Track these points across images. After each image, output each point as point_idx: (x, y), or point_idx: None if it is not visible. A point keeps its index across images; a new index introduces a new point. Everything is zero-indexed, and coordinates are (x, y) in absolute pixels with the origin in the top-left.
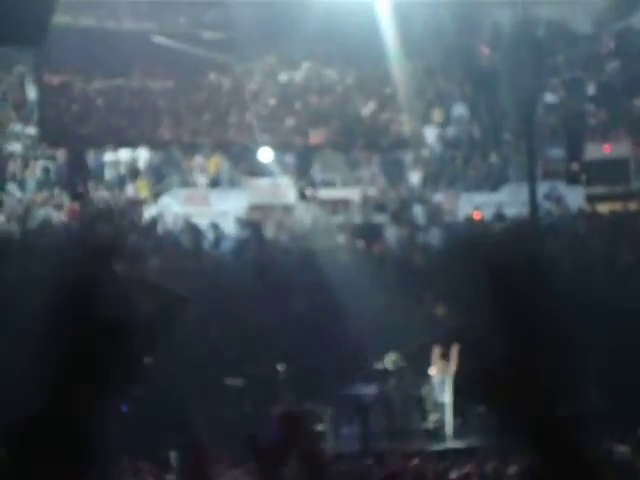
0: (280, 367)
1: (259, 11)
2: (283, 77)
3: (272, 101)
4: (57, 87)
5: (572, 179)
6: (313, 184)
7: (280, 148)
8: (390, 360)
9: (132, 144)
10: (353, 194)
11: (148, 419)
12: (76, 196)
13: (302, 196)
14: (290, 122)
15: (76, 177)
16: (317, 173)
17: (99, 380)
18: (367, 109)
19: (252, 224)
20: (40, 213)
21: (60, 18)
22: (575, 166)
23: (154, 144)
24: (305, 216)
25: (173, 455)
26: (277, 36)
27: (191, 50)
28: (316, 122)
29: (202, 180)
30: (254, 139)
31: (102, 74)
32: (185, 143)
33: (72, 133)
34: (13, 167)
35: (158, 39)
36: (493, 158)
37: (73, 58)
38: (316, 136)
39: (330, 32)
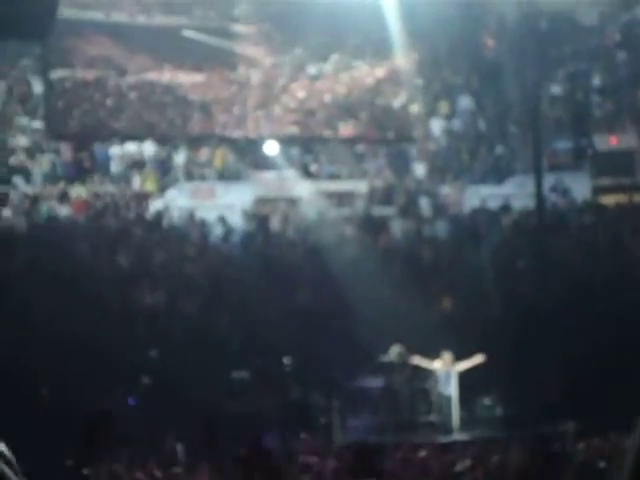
0: (286, 360)
1: (287, 4)
2: (312, 70)
3: (301, 94)
4: (92, 82)
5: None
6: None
7: (309, 141)
8: (395, 352)
9: (163, 138)
10: (359, 187)
11: (155, 412)
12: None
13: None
14: (320, 115)
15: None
16: (324, 165)
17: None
18: (398, 101)
19: (258, 217)
20: (46, 207)
21: (92, 14)
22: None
23: (184, 138)
24: (311, 209)
25: (180, 448)
26: (306, 29)
27: (221, 44)
28: (346, 115)
29: (208, 173)
30: (283, 132)
31: (135, 69)
32: (216, 136)
33: (104, 127)
34: (19, 160)
35: (188, 33)
36: (499, 150)
37: (106, 53)
38: (346, 129)
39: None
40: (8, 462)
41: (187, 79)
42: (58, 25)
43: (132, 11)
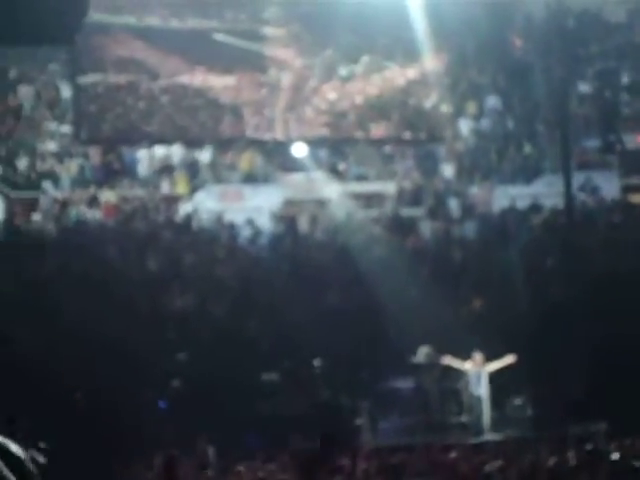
0: (316, 361)
1: (317, 5)
2: (343, 71)
3: (332, 95)
4: (124, 85)
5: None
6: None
7: (341, 143)
8: (424, 353)
9: (193, 141)
10: (388, 188)
11: (186, 414)
12: None
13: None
14: (351, 116)
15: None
16: (352, 167)
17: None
18: (429, 101)
19: (286, 219)
20: (75, 211)
21: (123, 18)
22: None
23: (214, 140)
24: (340, 210)
25: (211, 450)
26: (336, 30)
27: (251, 46)
28: (377, 116)
29: (236, 176)
30: (313, 134)
31: (166, 72)
32: (246, 138)
33: (133, 131)
34: (48, 166)
35: (219, 36)
36: (527, 149)
37: (137, 56)
38: (378, 130)
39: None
40: (18, 464)
41: (218, 82)
42: (88, 29)
43: (163, 14)
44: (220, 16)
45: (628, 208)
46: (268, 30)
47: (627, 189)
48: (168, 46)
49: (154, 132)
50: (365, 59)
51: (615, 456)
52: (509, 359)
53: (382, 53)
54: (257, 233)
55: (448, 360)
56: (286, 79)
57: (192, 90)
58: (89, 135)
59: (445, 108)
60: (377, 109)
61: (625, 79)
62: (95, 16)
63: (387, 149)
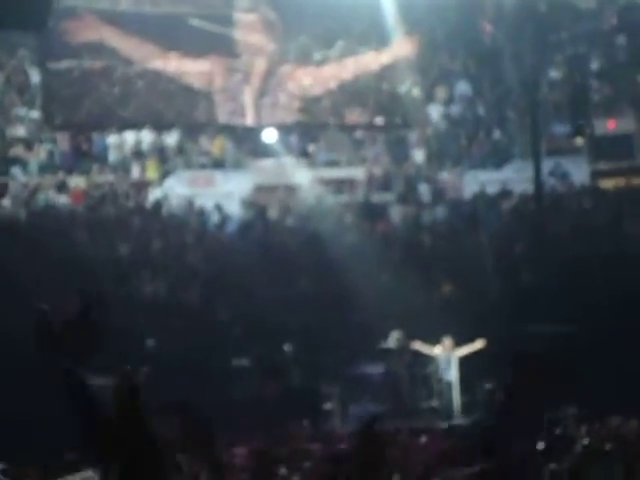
0: (287, 347)
1: None
2: (317, 56)
3: (306, 81)
4: (95, 71)
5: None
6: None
7: (312, 128)
8: (395, 338)
9: (163, 126)
10: (358, 173)
11: (155, 400)
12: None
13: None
14: (325, 102)
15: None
16: (322, 152)
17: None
18: (402, 87)
19: (257, 205)
20: (44, 196)
21: (97, 3)
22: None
23: (187, 126)
24: (310, 196)
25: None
26: (309, 15)
27: (224, 32)
28: (351, 101)
29: (207, 161)
30: (286, 120)
31: (138, 58)
32: (217, 124)
33: (102, 116)
34: (17, 151)
35: (194, 21)
36: (497, 135)
37: (109, 41)
38: (351, 115)
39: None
40: None
41: (191, 67)
42: (58, 13)
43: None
44: (194, 1)
45: (597, 194)
46: (240, 15)
47: (596, 175)
48: (140, 31)
49: (124, 117)
50: (339, 44)
51: (585, 440)
52: (479, 344)
53: (356, 38)
54: (226, 218)
55: (418, 346)
56: (259, 65)
57: (164, 75)
58: (58, 121)
59: (416, 93)
60: (351, 94)
61: (595, 65)
62: (66, 1)
63: (358, 134)
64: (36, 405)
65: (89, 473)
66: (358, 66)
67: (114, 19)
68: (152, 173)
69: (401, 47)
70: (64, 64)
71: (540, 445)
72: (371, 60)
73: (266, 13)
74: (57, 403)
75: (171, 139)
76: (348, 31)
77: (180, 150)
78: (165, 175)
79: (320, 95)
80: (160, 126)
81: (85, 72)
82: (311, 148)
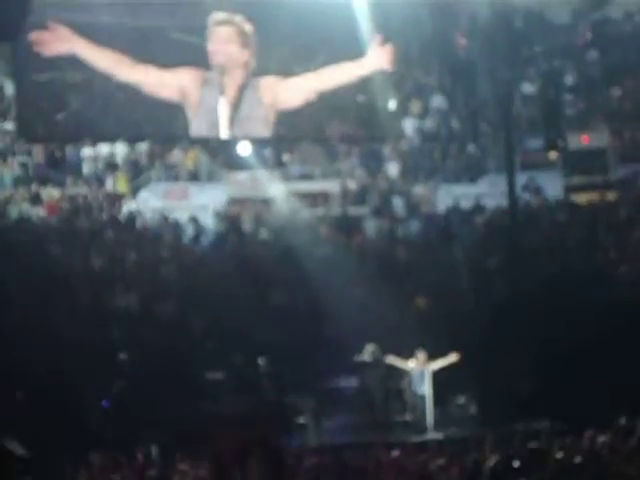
0: (261, 360)
1: (266, 6)
2: (297, 69)
3: (284, 93)
4: (69, 83)
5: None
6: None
7: (286, 141)
8: (369, 352)
9: (136, 139)
10: (332, 187)
11: (129, 413)
12: None
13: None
14: (303, 115)
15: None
16: (296, 165)
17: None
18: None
19: (231, 217)
20: (17, 209)
21: (71, 15)
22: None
23: (161, 139)
24: (284, 209)
25: (154, 449)
26: (288, 29)
27: (201, 43)
28: (329, 114)
29: (181, 174)
30: (265, 133)
31: (111, 69)
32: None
33: (76, 129)
34: None
35: (170, 33)
36: (471, 149)
37: (83, 54)
38: (330, 128)
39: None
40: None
41: (166, 79)
42: (31, 25)
43: (110, 11)
44: (170, 12)
45: (571, 208)
46: (216, 27)
47: (570, 189)
48: (115, 43)
49: (99, 130)
50: (318, 56)
51: (559, 455)
52: (452, 358)
53: (335, 50)
54: (200, 231)
55: (391, 359)
56: (234, 77)
57: (138, 88)
58: (32, 133)
59: (391, 106)
60: (329, 107)
61: (569, 79)
62: (38, 12)
63: (333, 148)
64: None
65: None
66: (336, 78)
67: (88, 31)
68: (122, 186)
69: (376, 59)
70: (38, 76)
71: (515, 463)
72: (348, 72)
73: (242, 25)
74: None
75: (145, 152)
76: (326, 43)
77: (153, 163)
78: (137, 188)
79: (298, 107)
80: (134, 139)
81: (59, 84)
82: (285, 160)
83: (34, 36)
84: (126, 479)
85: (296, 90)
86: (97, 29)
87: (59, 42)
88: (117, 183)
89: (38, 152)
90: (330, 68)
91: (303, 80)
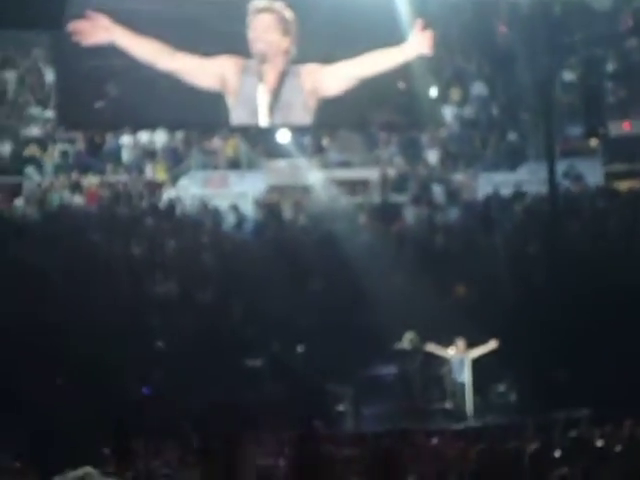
0: (300, 348)
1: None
2: (332, 56)
3: (324, 80)
4: (108, 71)
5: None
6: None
7: (326, 129)
8: (408, 339)
9: (179, 127)
10: (371, 174)
11: (170, 400)
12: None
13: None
14: (344, 102)
15: (94, 160)
16: (335, 153)
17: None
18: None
19: (271, 205)
20: (57, 196)
21: (112, 3)
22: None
23: (201, 127)
24: (324, 197)
25: (195, 437)
26: (325, 15)
27: (240, 31)
28: (368, 101)
29: (220, 162)
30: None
31: (151, 58)
32: (230, 125)
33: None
34: (31, 151)
35: (215, 22)
36: (511, 137)
37: (122, 42)
38: (372, 115)
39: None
40: None
41: (206, 67)
42: (72, 13)
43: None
44: (211, 1)
45: (612, 195)
46: (256, 14)
47: (611, 176)
48: (154, 31)
49: (137, 118)
50: (358, 43)
51: (599, 443)
52: (492, 345)
53: (375, 37)
54: (240, 219)
55: (431, 347)
56: (274, 64)
57: (178, 76)
58: (72, 121)
59: (431, 93)
60: (369, 94)
61: (610, 67)
62: (78, 1)
63: (371, 135)
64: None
65: (88, 469)
66: (377, 64)
67: (128, 19)
68: (161, 174)
69: (417, 44)
70: (78, 64)
71: (556, 451)
72: (389, 58)
73: (282, 12)
74: None
75: (185, 140)
76: (367, 29)
77: (194, 151)
78: (177, 176)
79: (339, 94)
80: (174, 126)
81: (99, 72)
82: (325, 152)
83: (73, 26)
84: (167, 465)
85: (337, 77)
86: (137, 17)
87: (98, 31)
88: (156, 171)
89: (78, 140)
90: (371, 54)
91: (344, 67)
